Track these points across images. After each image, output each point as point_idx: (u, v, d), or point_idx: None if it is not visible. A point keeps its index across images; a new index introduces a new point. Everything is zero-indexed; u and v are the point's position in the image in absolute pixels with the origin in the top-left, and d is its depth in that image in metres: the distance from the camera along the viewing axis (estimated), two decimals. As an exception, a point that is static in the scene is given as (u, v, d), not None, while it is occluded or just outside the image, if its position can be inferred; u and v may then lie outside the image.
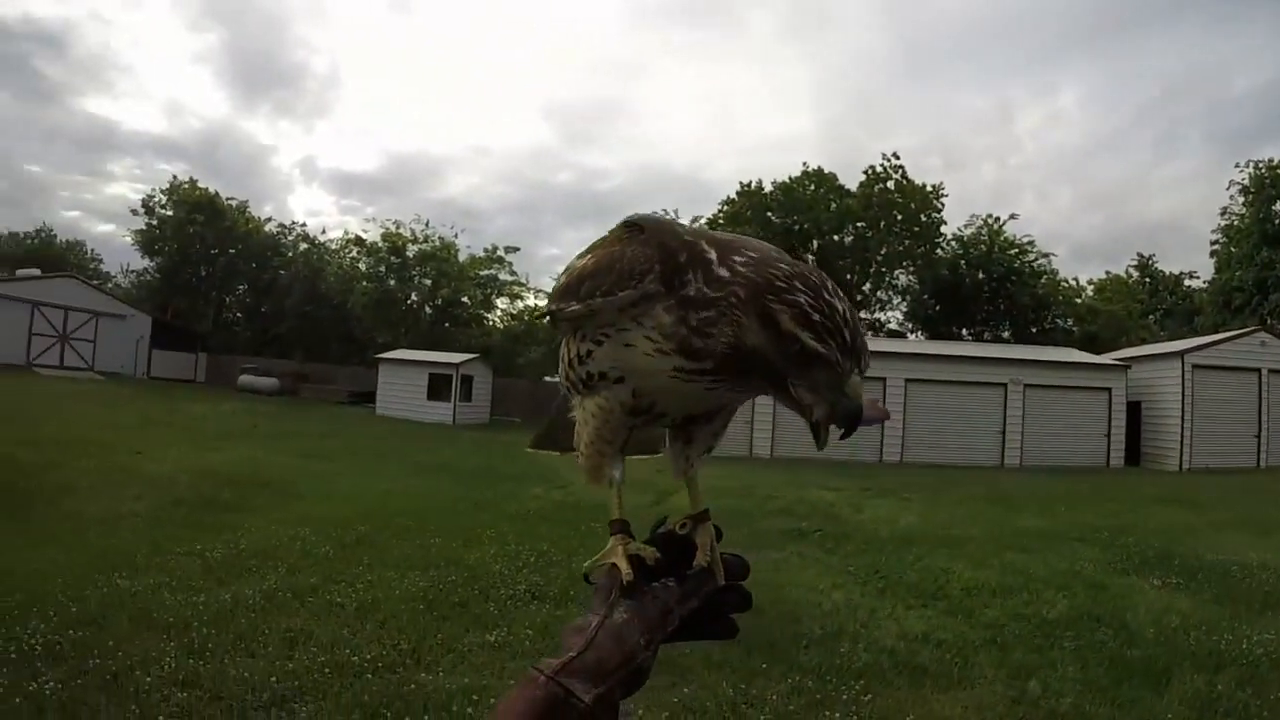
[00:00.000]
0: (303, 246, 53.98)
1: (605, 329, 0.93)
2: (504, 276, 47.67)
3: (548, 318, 1.03)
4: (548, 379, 46.54)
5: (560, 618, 6.01)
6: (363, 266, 47.21)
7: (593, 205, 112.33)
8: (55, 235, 79.63)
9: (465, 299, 45.59)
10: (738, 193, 44.66)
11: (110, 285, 58.72)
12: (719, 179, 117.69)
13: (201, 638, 5.17)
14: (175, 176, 53.38)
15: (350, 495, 11.28)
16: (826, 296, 0.82)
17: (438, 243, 46.36)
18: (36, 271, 45.81)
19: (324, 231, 58.21)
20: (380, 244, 46.23)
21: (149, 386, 35.67)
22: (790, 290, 0.82)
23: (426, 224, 47.26)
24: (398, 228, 46.70)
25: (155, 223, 52.15)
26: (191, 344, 46.26)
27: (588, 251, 1.00)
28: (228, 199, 53.14)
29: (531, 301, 49.06)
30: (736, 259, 0.87)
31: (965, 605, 7.00)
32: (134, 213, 53.56)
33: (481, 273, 46.73)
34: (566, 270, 1.01)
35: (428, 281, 45.36)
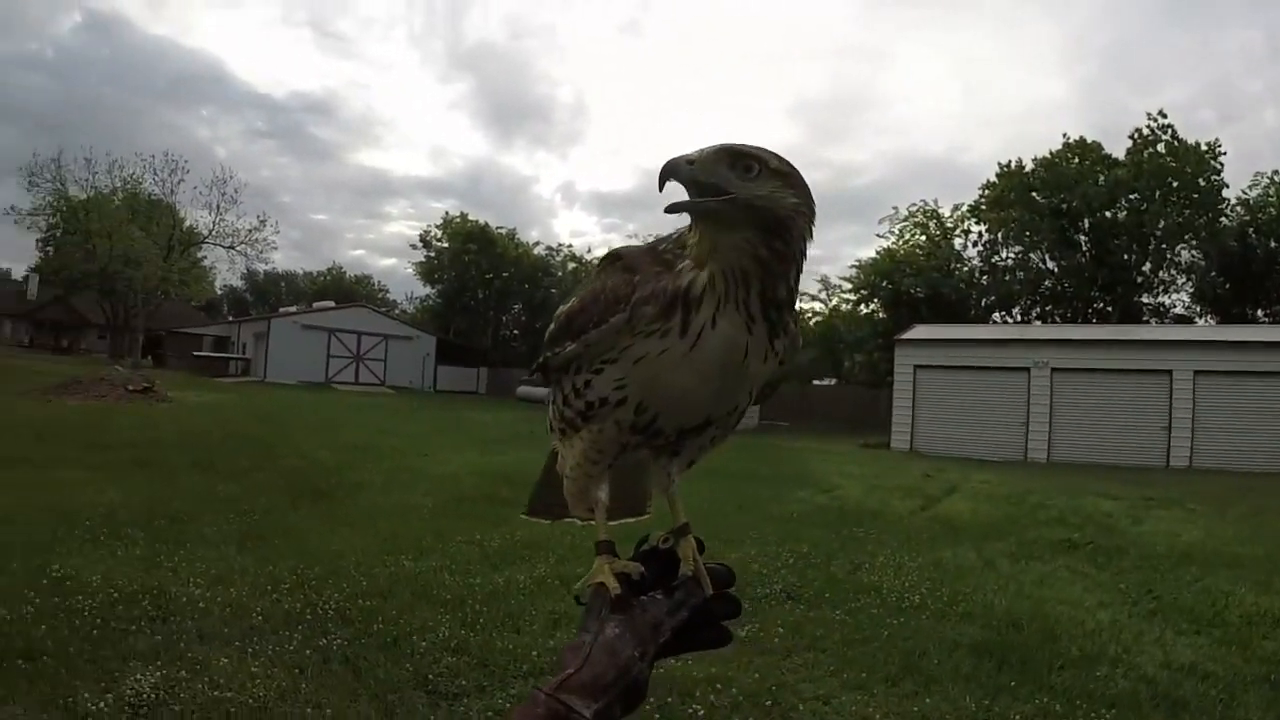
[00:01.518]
0: (570, 265, 57.14)
1: (606, 357, 0.99)
2: (767, 281, 47.97)
3: (538, 371, 1.11)
4: (816, 383, 46.02)
5: (813, 619, 6.02)
6: (628, 280, 49.08)
7: (849, 203, 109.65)
8: (344, 271, 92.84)
9: (733, 305, 46.29)
10: (997, 174, 41.61)
11: (397, 311, 66.11)
12: (978, 161, 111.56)
13: (474, 613, 5.66)
14: (447, 212, 59.69)
15: (617, 494, 11.70)
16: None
17: (698, 252, 47.33)
18: (331, 303, 53.41)
19: (589, 250, 62.01)
20: (643, 258, 47.87)
21: (435, 398, 39.51)
22: None
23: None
24: (658, 241, 48.15)
25: (433, 254, 58.66)
26: (473, 359, 50.90)
27: (573, 295, 1.07)
28: (497, 228, 58.15)
29: (797, 305, 49.07)
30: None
31: (1242, 635, 6.21)
32: (413, 247, 60.13)
33: (745, 278, 47.13)
34: (554, 318, 1.07)
35: (695, 291, 46.44)
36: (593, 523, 1.12)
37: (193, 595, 5.62)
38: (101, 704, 3.89)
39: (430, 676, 4.57)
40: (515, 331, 60.55)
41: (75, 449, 12.25)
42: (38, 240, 56.15)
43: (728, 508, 11.10)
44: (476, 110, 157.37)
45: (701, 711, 4.31)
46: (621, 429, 1.01)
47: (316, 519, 8.54)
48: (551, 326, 1.07)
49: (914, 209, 43.68)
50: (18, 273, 78.46)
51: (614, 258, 1.05)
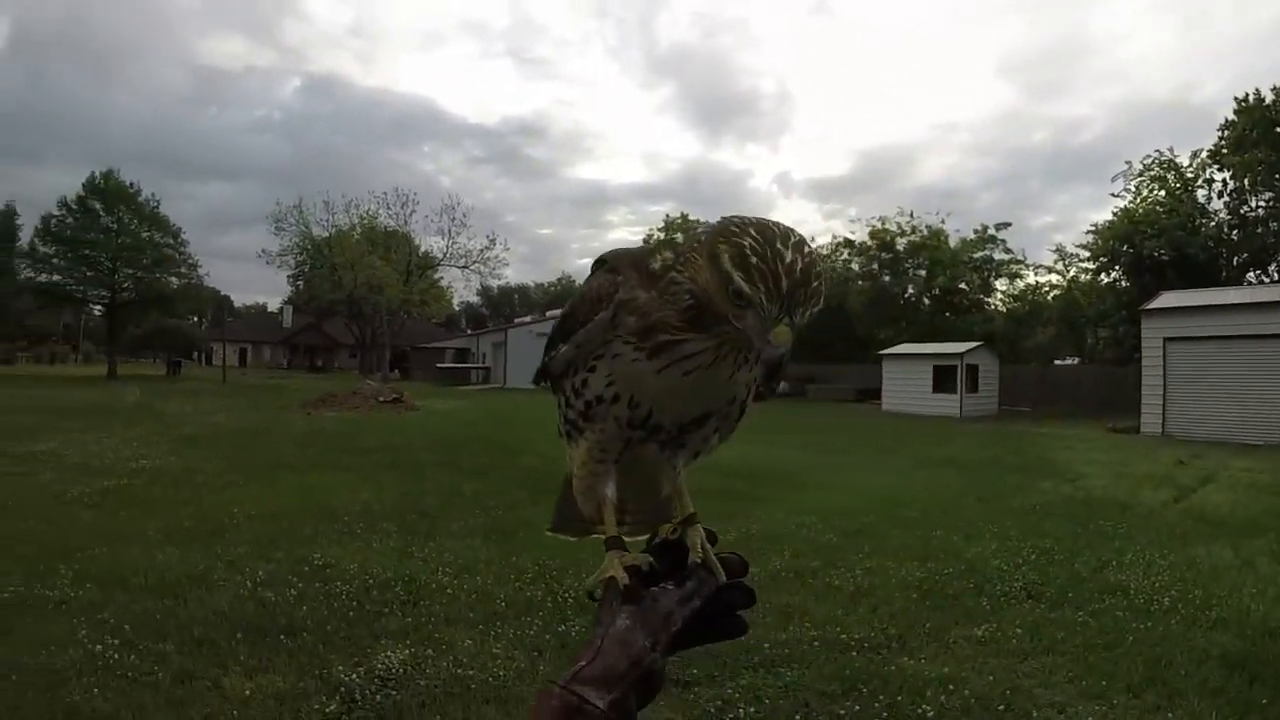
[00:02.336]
0: (795, 256, 56.92)
1: (595, 355, 1.01)
2: (999, 256, 45.48)
3: (542, 380, 1.14)
4: (1057, 363, 43.01)
5: (1053, 620, 5.72)
6: (855, 266, 48.36)
7: (1077, 162, 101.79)
8: (573, 280, 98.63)
9: (963, 285, 44.33)
10: (1235, 111, 35.79)
11: (626, 315, 69.28)
12: (1212, 98, 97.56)
13: (707, 605, 5.72)
14: (667, 215, 61.07)
15: (855, 487, 11.56)
16: (777, 245, 0.85)
17: (925, 231, 45.86)
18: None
19: (813, 239, 62.06)
20: (869, 242, 47.07)
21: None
22: (740, 235, 0.87)
23: (911, 215, 47.10)
24: (883, 223, 47.04)
25: (659, 257, 60.05)
26: (704, 357, 52.04)
27: (567, 302, 1.10)
28: (718, 225, 58.44)
29: (1032, 279, 45.79)
30: (712, 224, 0.94)
31: None
32: (636, 251, 61.99)
33: (975, 255, 45.15)
34: (552, 326, 1.10)
35: (921, 272, 45.04)
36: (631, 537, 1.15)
37: (441, 582, 6.13)
38: (354, 676, 4.33)
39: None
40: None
41: (333, 454, 13.55)
42: (288, 276, 65.00)
43: (967, 499, 10.80)
44: (682, 112, 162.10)
45: (931, 713, 4.22)
46: (621, 425, 1.03)
47: (552, 512, 8.88)
48: (550, 334, 1.11)
49: (1148, 161, 39.13)
50: (273, 305, 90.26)
51: (600, 262, 1.07)
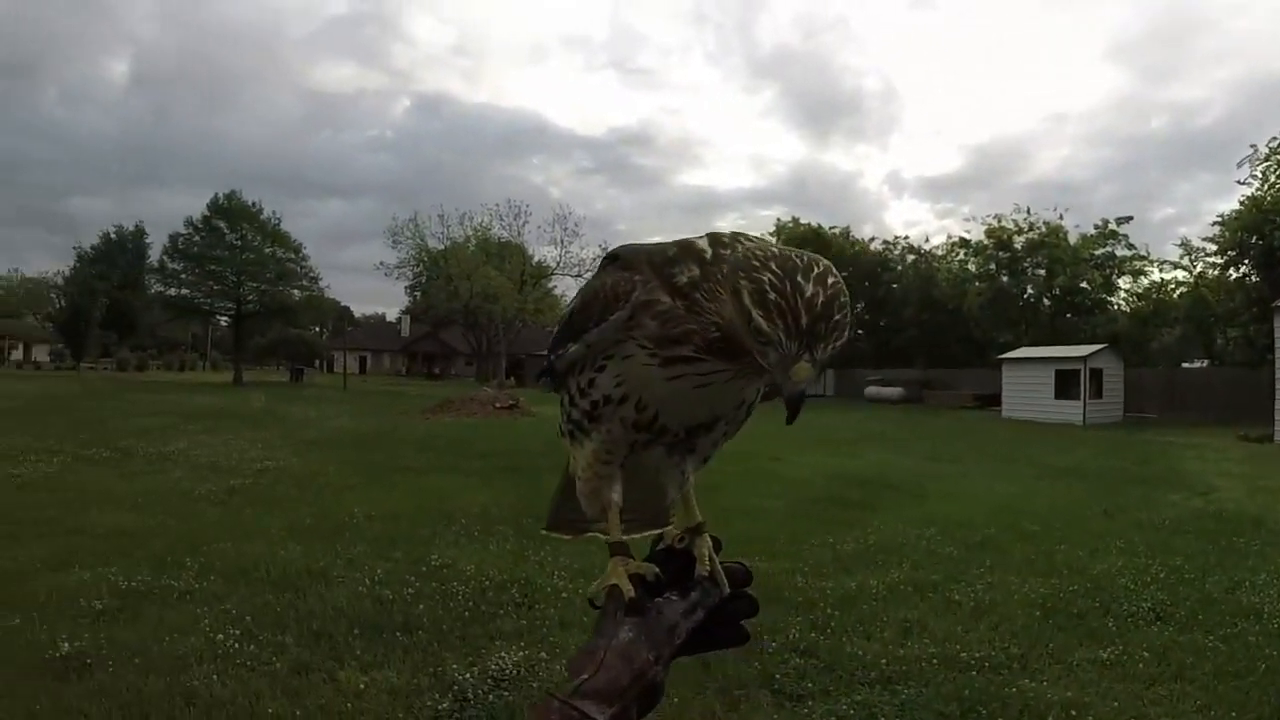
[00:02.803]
0: (910, 258, 55.53)
1: (606, 354, 0.99)
2: (1121, 252, 43.11)
3: (544, 377, 1.12)
4: (1186, 365, 40.76)
5: (1182, 643, 5.40)
6: (972, 267, 46.69)
7: (1197, 148, 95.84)
8: None
9: (1084, 284, 42.17)
10: None
11: (741, 320, 69.38)
12: None
13: (825, 617, 5.67)
14: (778, 219, 60.43)
15: (975, 497, 11.27)
16: (798, 279, 0.84)
17: (1043, 228, 43.75)
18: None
19: (927, 240, 60.73)
20: (985, 241, 45.28)
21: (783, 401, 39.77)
22: (761, 269, 0.86)
23: (1028, 211, 45.02)
24: (999, 221, 45.21)
25: (769, 261, 59.60)
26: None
27: (575, 297, 1.08)
28: (830, 228, 57.36)
29: (1157, 276, 43.30)
30: (737, 246, 0.91)
31: None
32: (749, 256, 62.02)
33: (1096, 252, 42.97)
34: (558, 321, 1.08)
35: (1041, 272, 43.15)
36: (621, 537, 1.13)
37: (556, 586, 6.22)
38: (468, 675, 4.44)
39: (777, 676, 4.63)
40: (860, 331, 59.67)
41: (451, 458, 13.90)
42: (406, 287, 67.80)
43: (1092, 511, 10.39)
44: (787, 114, 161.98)
45: (1052, 738, 4.07)
46: (627, 427, 1.01)
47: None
48: (555, 330, 1.09)
49: (1274, 145, 34.25)
50: (391, 315, 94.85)
51: (612, 257, 1.05)
